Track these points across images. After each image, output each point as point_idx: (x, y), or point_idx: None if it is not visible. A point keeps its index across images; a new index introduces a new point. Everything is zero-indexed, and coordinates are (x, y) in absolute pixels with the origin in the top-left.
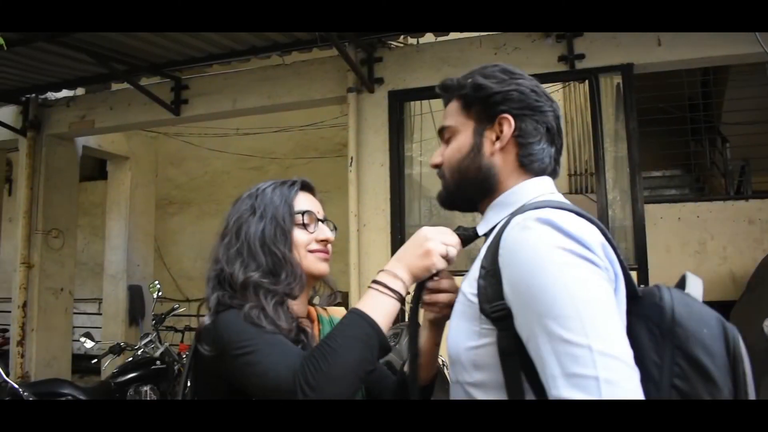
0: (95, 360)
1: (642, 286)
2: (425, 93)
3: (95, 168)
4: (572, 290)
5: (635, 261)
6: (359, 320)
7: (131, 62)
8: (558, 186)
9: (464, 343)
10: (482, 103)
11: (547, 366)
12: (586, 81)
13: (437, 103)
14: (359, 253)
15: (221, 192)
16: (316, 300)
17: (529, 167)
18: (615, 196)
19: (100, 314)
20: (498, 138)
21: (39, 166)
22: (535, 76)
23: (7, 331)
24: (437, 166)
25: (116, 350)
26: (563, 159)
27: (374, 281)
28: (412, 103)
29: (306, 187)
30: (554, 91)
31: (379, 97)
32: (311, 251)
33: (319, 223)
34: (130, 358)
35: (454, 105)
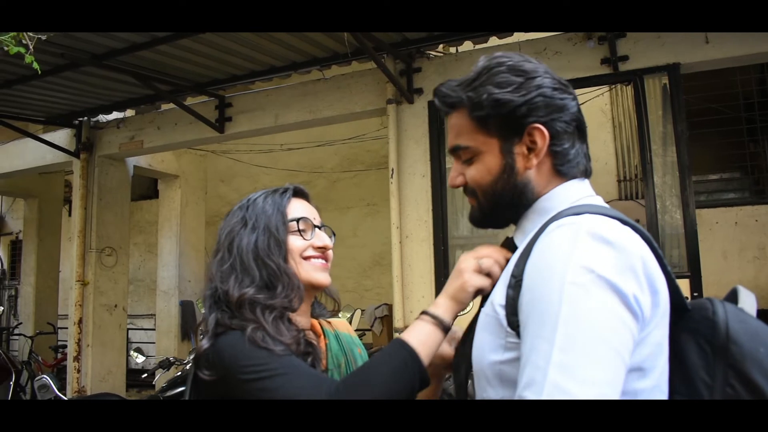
0: (145, 375)
1: (694, 295)
2: None
3: (150, 187)
4: (565, 312)
5: (688, 268)
6: (400, 349)
7: (176, 83)
8: (607, 192)
9: (489, 357)
10: (505, 119)
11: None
12: (631, 83)
13: None
14: (402, 264)
15: None
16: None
17: (567, 174)
18: (665, 201)
19: (155, 330)
20: (531, 151)
21: (92, 187)
22: (577, 80)
23: (65, 347)
24: (458, 186)
25: (165, 365)
26: (611, 165)
27: (422, 312)
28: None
29: (299, 194)
30: (600, 94)
31: (419, 107)
32: (307, 257)
33: (316, 229)
34: (179, 373)
35: (465, 121)
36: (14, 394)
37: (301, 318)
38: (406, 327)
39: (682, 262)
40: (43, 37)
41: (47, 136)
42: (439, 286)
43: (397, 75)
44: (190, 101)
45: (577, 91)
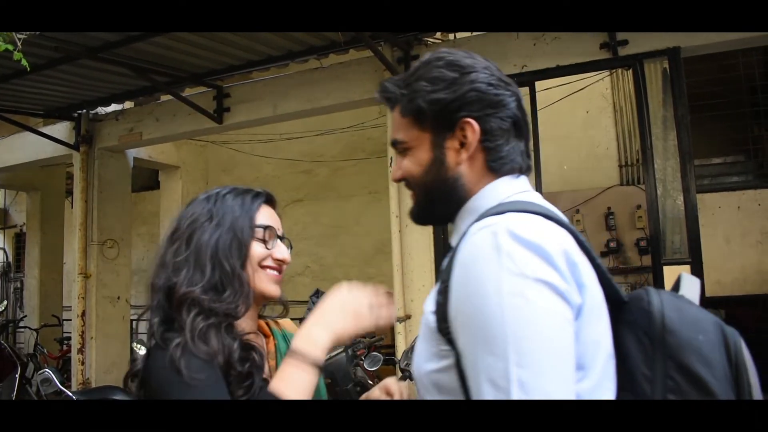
0: None
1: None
2: None
3: (152, 178)
4: (511, 325)
5: (689, 254)
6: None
7: (173, 74)
8: (609, 177)
9: (425, 367)
10: (437, 114)
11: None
12: (631, 68)
13: None
14: (402, 254)
15: None
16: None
17: (500, 171)
18: (666, 186)
19: None
20: (462, 145)
21: (92, 179)
22: (576, 65)
23: (70, 339)
24: (398, 181)
25: None
26: (613, 150)
27: (291, 352)
28: None
29: (269, 201)
30: (600, 79)
31: None
32: (264, 267)
33: (278, 240)
34: None
35: (401, 116)
36: (20, 387)
37: (247, 322)
38: (406, 316)
39: (683, 247)
40: (37, 34)
41: (47, 130)
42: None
43: (395, 62)
44: (188, 92)
45: (578, 77)
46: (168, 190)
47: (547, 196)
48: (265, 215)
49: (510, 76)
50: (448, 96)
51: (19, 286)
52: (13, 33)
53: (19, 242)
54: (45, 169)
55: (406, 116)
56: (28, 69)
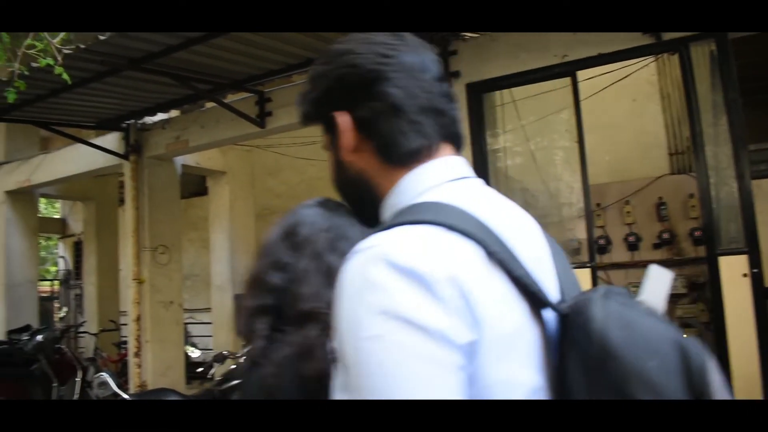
0: (200, 369)
1: (754, 272)
2: (504, 82)
3: (201, 184)
4: (365, 376)
5: (745, 243)
6: None
7: (214, 81)
8: (659, 167)
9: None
10: (316, 116)
11: None
12: (677, 53)
13: (519, 92)
14: None
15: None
16: None
17: (396, 160)
18: (719, 173)
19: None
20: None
21: (142, 187)
22: (619, 52)
23: (126, 343)
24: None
25: (219, 359)
26: (662, 138)
27: None
28: (492, 93)
29: None
30: (645, 65)
31: (457, 90)
32: None
33: None
34: (234, 366)
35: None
36: (81, 390)
37: None
38: None
39: (739, 236)
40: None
41: (99, 141)
42: None
43: None
44: (230, 98)
45: (622, 64)
46: (216, 195)
47: (595, 189)
48: None
49: (551, 66)
50: (318, 94)
51: (79, 292)
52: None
53: (78, 250)
54: (98, 178)
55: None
56: (69, 82)
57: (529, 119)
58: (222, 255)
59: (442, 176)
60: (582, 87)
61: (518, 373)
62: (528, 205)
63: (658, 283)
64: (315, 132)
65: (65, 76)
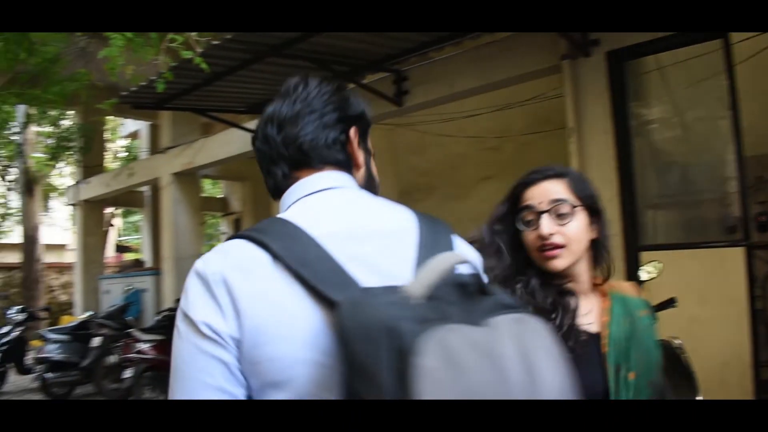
0: None
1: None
2: (649, 48)
3: None
4: (174, 366)
5: None
6: None
7: (352, 63)
8: None
9: None
10: None
11: None
12: None
13: (666, 57)
14: None
15: (462, 175)
16: None
17: (272, 196)
18: None
19: None
20: None
21: None
22: None
23: None
24: None
25: None
26: None
27: None
28: (635, 61)
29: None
30: None
31: (596, 60)
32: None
33: (541, 217)
34: None
35: None
36: None
37: (578, 284)
38: None
39: None
40: (228, 37)
41: (252, 125)
42: (628, 249)
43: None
44: (369, 78)
45: None
46: None
47: (752, 160)
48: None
49: None
50: None
51: None
52: (192, 40)
53: (238, 227)
54: (254, 159)
55: None
56: (208, 71)
57: (678, 87)
58: None
59: (292, 197)
60: (735, 49)
61: (292, 352)
62: (682, 180)
63: (432, 267)
64: (458, 107)
65: (204, 65)
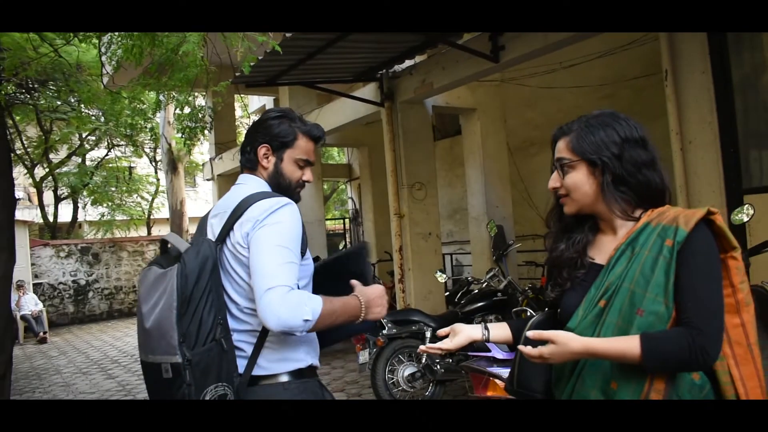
0: (447, 293)
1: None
2: None
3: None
4: None
5: None
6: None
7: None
8: None
9: None
10: None
11: None
12: None
13: None
14: (686, 173)
15: None
16: None
17: None
18: None
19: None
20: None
21: (397, 130)
22: None
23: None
24: None
25: (464, 284)
26: None
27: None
28: None
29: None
30: None
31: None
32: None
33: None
34: (475, 291)
35: None
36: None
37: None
38: None
39: None
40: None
41: (360, 93)
42: (731, 194)
43: None
44: (466, 37)
45: None
46: (468, 132)
47: None
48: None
49: None
50: None
51: (364, 228)
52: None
53: (360, 192)
54: (369, 125)
55: None
56: (280, 52)
57: None
58: (477, 189)
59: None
60: None
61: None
62: None
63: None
64: (571, 54)
65: (277, 47)
